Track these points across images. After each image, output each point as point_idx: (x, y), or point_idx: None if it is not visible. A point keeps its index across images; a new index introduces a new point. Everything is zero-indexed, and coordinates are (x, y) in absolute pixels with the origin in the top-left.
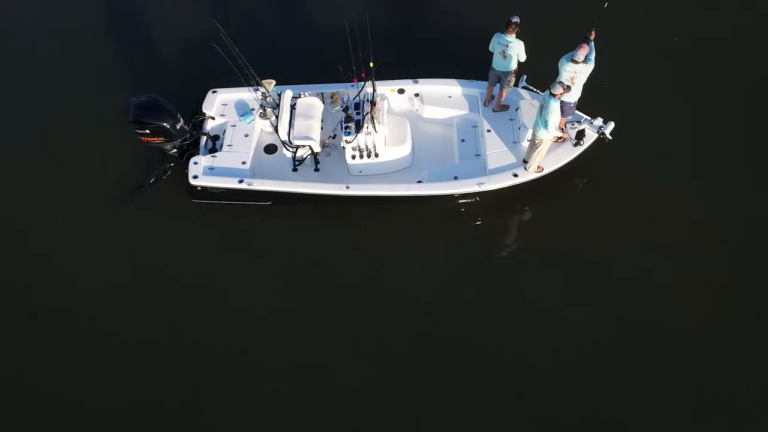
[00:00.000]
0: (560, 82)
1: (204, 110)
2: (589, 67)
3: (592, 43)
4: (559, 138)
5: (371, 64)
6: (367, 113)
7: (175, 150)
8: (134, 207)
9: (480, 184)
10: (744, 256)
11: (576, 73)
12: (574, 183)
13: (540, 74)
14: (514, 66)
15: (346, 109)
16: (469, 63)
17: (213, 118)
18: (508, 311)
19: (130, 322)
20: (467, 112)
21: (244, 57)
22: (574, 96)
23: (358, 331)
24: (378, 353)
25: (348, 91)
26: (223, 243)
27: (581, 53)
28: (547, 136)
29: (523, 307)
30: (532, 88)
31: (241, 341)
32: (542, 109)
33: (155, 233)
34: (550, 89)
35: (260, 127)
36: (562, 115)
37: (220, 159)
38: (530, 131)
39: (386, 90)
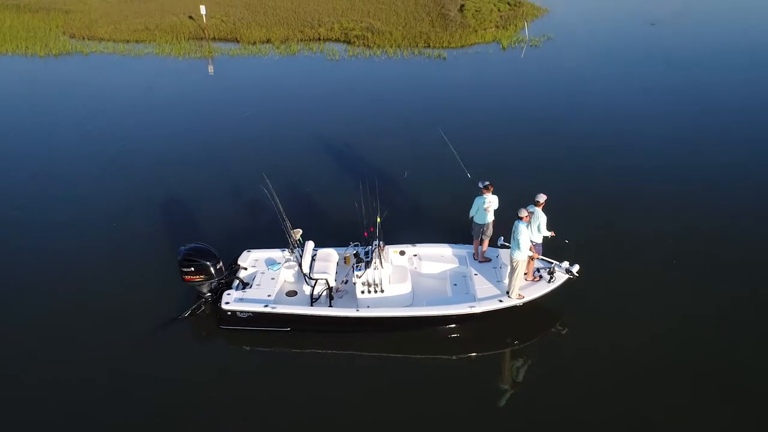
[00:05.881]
0: (525, 208)
1: (239, 262)
2: (544, 216)
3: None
4: (534, 277)
5: (378, 219)
6: (375, 248)
7: (210, 294)
8: (170, 333)
9: (471, 306)
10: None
11: (532, 213)
12: (551, 316)
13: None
14: (492, 217)
15: (357, 255)
16: (456, 231)
17: (245, 269)
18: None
19: None
20: (458, 266)
21: (280, 204)
22: (538, 237)
23: None
24: None
25: (359, 250)
26: (246, 364)
27: (542, 197)
28: (521, 257)
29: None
30: (507, 244)
31: None
32: (513, 234)
33: (185, 354)
34: (517, 215)
35: (284, 277)
36: (533, 251)
37: (249, 293)
38: (509, 267)
39: (389, 251)
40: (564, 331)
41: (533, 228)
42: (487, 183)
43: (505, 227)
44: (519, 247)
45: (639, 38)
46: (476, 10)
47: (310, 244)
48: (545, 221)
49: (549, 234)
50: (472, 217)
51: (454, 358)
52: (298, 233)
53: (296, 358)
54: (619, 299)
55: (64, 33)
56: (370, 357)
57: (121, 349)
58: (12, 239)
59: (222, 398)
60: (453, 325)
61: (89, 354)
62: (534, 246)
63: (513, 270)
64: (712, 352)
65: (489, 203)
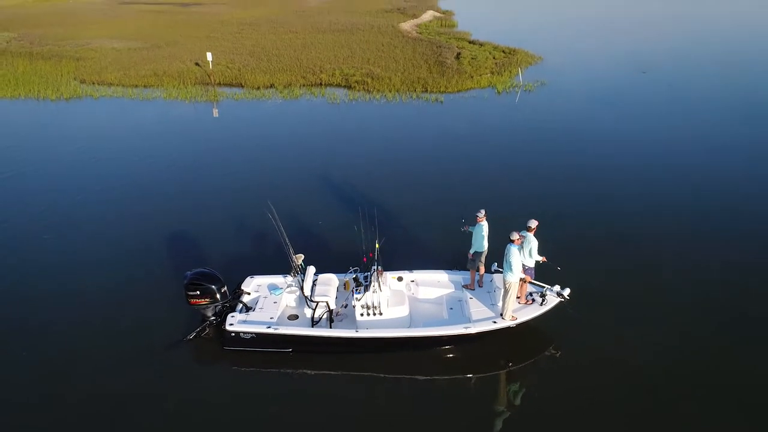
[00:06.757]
0: (516, 231)
1: (242, 287)
2: (535, 241)
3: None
4: (527, 300)
5: (377, 245)
6: (374, 273)
7: (214, 317)
8: (175, 354)
9: (467, 327)
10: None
11: (524, 237)
12: (545, 337)
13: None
14: (487, 244)
15: (356, 279)
16: (452, 258)
17: (248, 293)
18: None
19: None
20: (453, 291)
21: (284, 231)
22: (530, 262)
23: None
24: None
25: (358, 275)
26: (249, 384)
27: (533, 222)
28: (514, 279)
29: None
30: (500, 269)
31: None
32: (506, 256)
33: (190, 374)
34: (509, 238)
35: (286, 301)
36: (525, 273)
37: (252, 315)
38: (503, 290)
39: (387, 277)
40: (558, 354)
41: (525, 252)
42: (483, 211)
43: (498, 255)
44: (511, 269)
45: (630, 85)
46: (472, 58)
47: (311, 269)
48: (536, 246)
49: (540, 259)
50: (475, 251)
51: (450, 378)
52: (300, 258)
53: (298, 379)
54: (610, 321)
55: (75, 78)
56: (368, 377)
57: (127, 369)
58: (30, 266)
59: (225, 416)
60: (449, 346)
61: (96, 373)
62: (526, 270)
63: (506, 292)
64: (708, 369)
65: (486, 230)
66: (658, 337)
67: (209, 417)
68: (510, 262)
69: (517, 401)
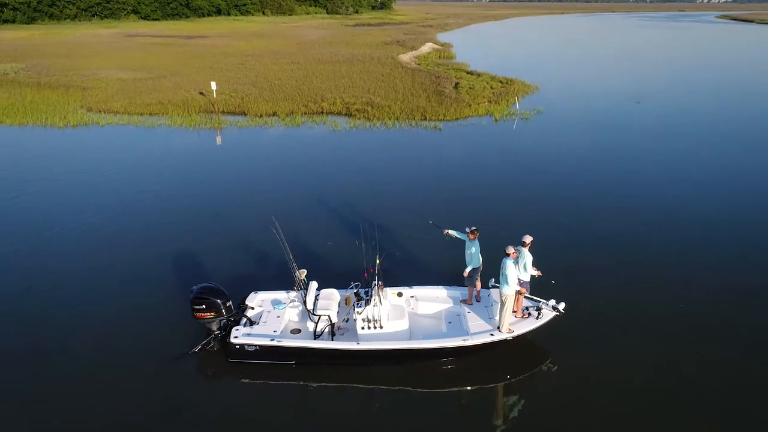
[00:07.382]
0: (511, 245)
1: (247, 302)
2: (530, 256)
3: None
4: (523, 314)
5: (378, 260)
6: (375, 287)
7: (219, 331)
8: (181, 366)
9: (465, 339)
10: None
11: (519, 251)
12: (541, 351)
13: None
14: (481, 260)
15: (357, 294)
16: (450, 274)
17: (252, 308)
18: None
19: None
20: (452, 306)
21: (288, 248)
22: (525, 276)
23: None
24: None
25: (359, 289)
26: (253, 396)
27: (528, 237)
28: (510, 291)
29: None
30: (497, 285)
31: None
32: (502, 270)
33: (196, 386)
34: (505, 251)
35: (289, 316)
36: (520, 287)
37: (256, 329)
38: (499, 304)
39: (387, 293)
40: (554, 367)
41: (519, 267)
42: (473, 228)
43: (494, 272)
44: (507, 282)
45: (625, 114)
46: (470, 87)
47: (313, 284)
48: (531, 260)
49: (536, 273)
50: (472, 268)
51: (448, 390)
52: (302, 274)
53: (300, 390)
54: (606, 335)
55: (81, 106)
56: (369, 389)
57: (134, 381)
58: (37, 284)
59: (230, 426)
60: (447, 359)
61: (102, 386)
62: (521, 283)
63: (503, 305)
64: (707, 385)
65: (478, 246)
66: (655, 351)
67: (214, 427)
68: (506, 274)
69: (514, 413)
